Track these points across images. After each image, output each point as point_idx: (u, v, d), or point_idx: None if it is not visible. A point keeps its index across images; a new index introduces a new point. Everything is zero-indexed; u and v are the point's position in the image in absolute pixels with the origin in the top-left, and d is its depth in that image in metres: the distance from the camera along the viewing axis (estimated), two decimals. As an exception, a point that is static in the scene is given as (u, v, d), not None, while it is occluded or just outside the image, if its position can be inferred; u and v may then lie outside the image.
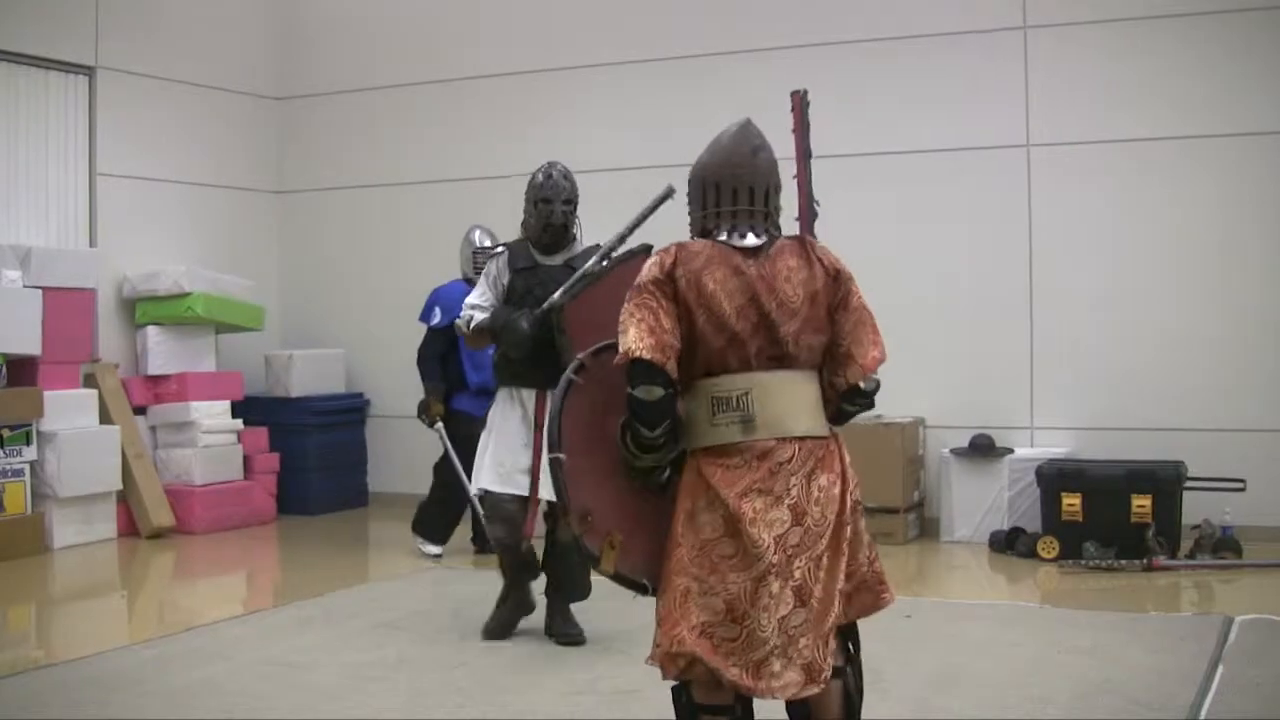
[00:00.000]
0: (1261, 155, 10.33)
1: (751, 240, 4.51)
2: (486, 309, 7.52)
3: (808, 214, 5.55)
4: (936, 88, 11.19)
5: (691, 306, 4.40)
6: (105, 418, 11.32)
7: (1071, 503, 9.73)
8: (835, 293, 4.57)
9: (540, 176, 7.70)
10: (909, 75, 11.30)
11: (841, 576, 4.41)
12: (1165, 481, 9.65)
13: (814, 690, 4.34)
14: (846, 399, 4.59)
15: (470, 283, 9.78)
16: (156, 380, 11.97)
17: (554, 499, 6.89)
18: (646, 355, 4.31)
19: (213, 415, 11.94)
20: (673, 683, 4.59)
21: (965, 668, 6.87)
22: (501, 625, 7.62)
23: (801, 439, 4.43)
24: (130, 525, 11.38)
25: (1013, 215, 10.83)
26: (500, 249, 7.80)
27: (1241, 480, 9.74)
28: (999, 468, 10.49)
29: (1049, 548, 9.71)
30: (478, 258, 10.17)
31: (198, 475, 11.73)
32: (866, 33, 11.43)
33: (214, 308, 12.12)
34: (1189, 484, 9.77)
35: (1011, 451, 10.54)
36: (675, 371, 4.39)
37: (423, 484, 10.56)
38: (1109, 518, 9.58)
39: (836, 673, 4.48)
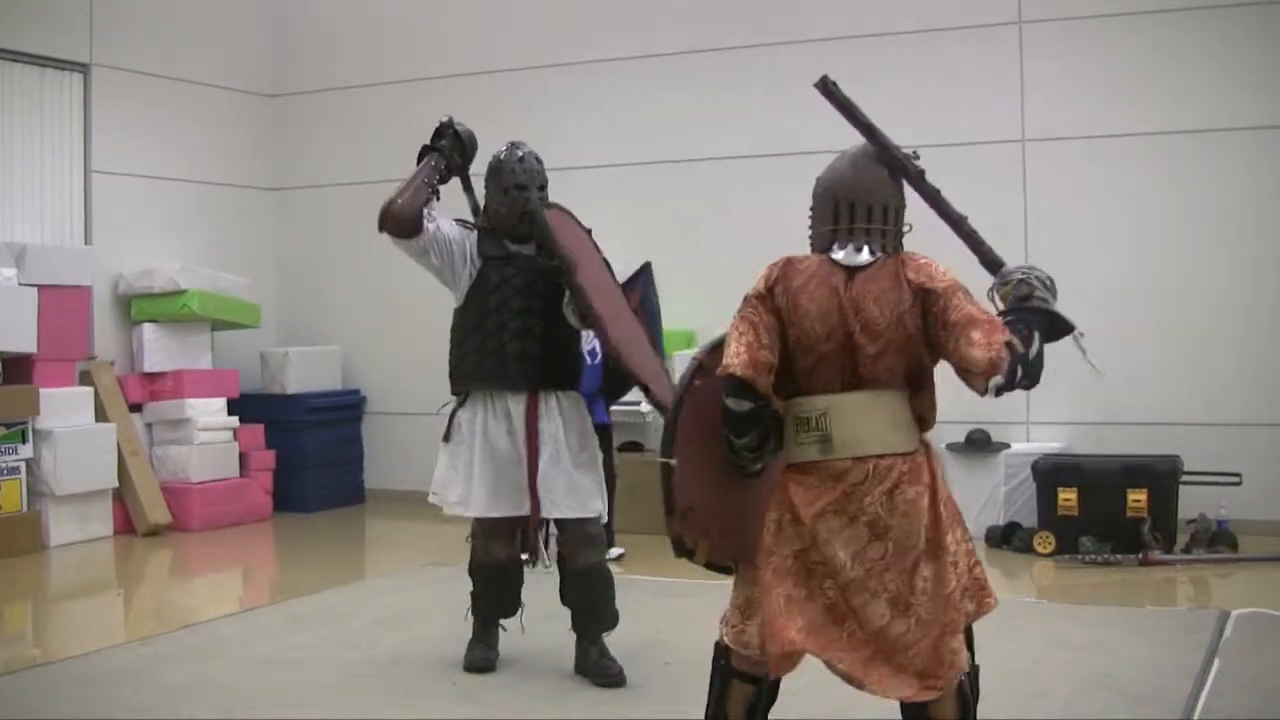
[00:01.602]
0: (1257, 149, 10.34)
1: (864, 257, 4.61)
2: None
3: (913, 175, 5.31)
4: (931, 83, 11.19)
5: (786, 323, 4.55)
6: (101, 415, 11.32)
7: (1067, 498, 9.74)
8: (928, 311, 4.53)
9: (510, 160, 6.83)
10: (903, 70, 11.28)
11: (952, 583, 4.49)
12: (1161, 476, 9.66)
13: (931, 696, 4.48)
14: (978, 384, 4.48)
15: None
16: (152, 378, 11.97)
17: (563, 516, 6.66)
18: (738, 372, 4.48)
19: (209, 412, 11.95)
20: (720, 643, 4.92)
21: (962, 663, 6.88)
22: (484, 658, 6.94)
23: (880, 457, 4.45)
24: (126, 523, 11.37)
25: (1008, 210, 10.83)
26: (469, 225, 6.89)
27: (1237, 474, 9.75)
28: (995, 463, 10.50)
29: (1045, 543, 9.72)
30: None
31: (194, 472, 11.73)
32: (860, 28, 11.44)
33: (210, 305, 12.12)
34: (1185, 478, 9.78)
35: (1008, 447, 10.55)
36: (768, 386, 4.52)
37: (419, 480, 10.45)
38: (1105, 512, 9.59)
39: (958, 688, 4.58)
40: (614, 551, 9.53)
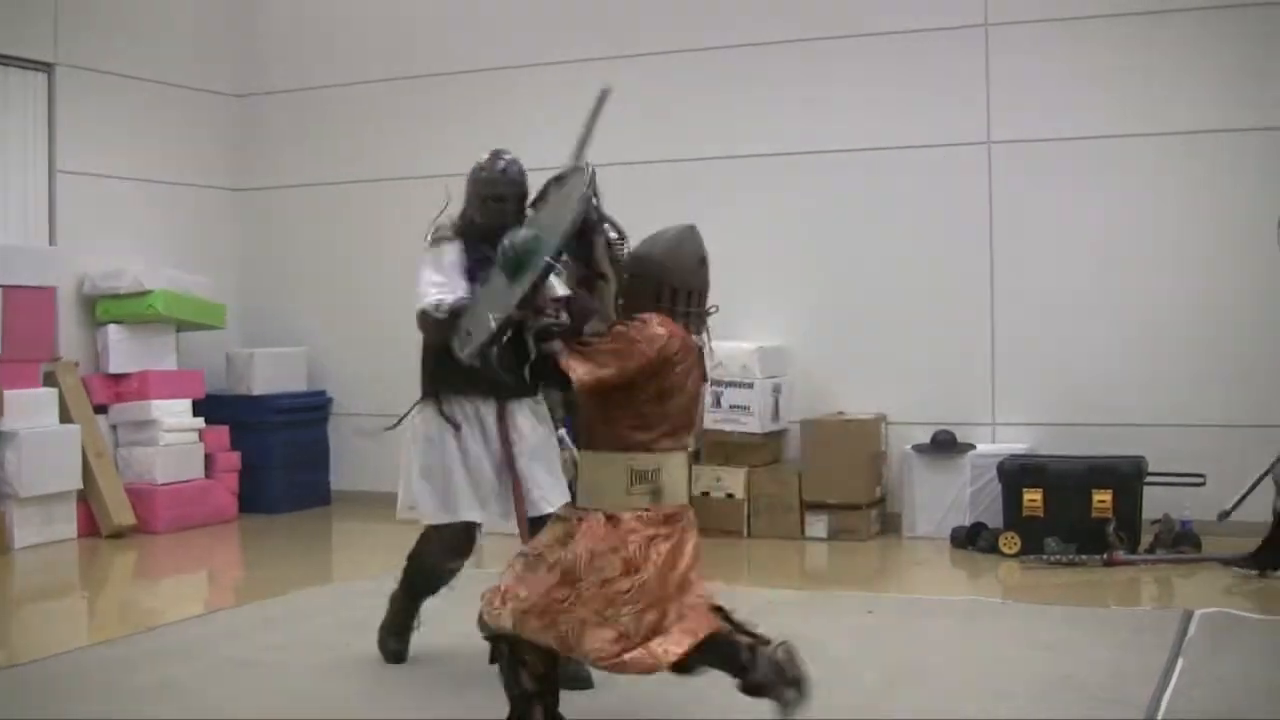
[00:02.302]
0: (1223, 152, 10.39)
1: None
2: (456, 292, 6.48)
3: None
4: (897, 84, 11.23)
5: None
6: (65, 417, 11.27)
7: (1033, 498, 9.78)
8: None
9: (491, 170, 6.79)
10: (869, 72, 11.33)
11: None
12: (1126, 477, 9.71)
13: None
14: None
15: None
16: (117, 379, 11.92)
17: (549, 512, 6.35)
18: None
19: (174, 414, 11.91)
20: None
21: (926, 663, 6.90)
22: (399, 649, 7.04)
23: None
24: (91, 525, 11.32)
25: (974, 212, 10.87)
26: (452, 236, 6.71)
27: (1201, 475, 9.79)
28: (961, 464, 10.53)
29: (1010, 543, 9.75)
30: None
31: (159, 474, 11.68)
32: (826, 30, 11.46)
33: (175, 305, 12.08)
34: (1149, 479, 9.83)
35: (973, 447, 10.58)
36: None
37: (386, 482, 10.38)
38: (1070, 513, 9.64)
39: None
40: None
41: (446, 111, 12.67)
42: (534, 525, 6.45)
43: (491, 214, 6.65)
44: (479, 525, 6.76)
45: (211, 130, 13.52)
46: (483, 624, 5.29)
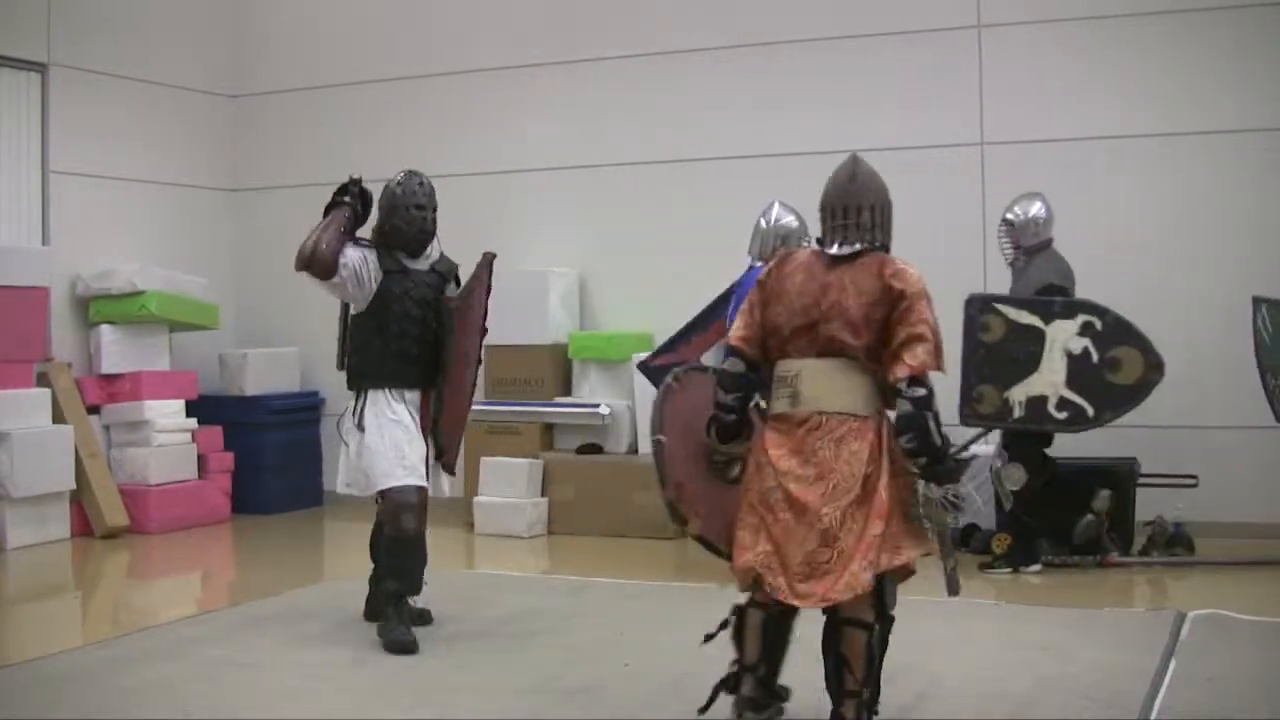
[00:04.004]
0: (1217, 153, 10.43)
1: (837, 250, 5.62)
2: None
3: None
4: (890, 86, 11.26)
5: (771, 302, 5.64)
6: (59, 417, 11.26)
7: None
8: (895, 308, 5.43)
9: (410, 185, 7.72)
10: (862, 74, 11.36)
11: (873, 529, 5.37)
12: (1118, 478, 9.70)
13: (824, 605, 5.46)
14: (896, 393, 5.44)
15: None
16: (110, 379, 11.91)
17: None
18: (732, 342, 5.74)
19: (167, 414, 11.90)
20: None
21: (921, 664, 6.89)
22: (407, 638, 7.31)
23: (836, 414, 5.45)
24: (84, 525, 11.32)
25: (966, 213, 10.88)
26: (365, 243, 7.79)
27: (1194, 476, 9.80)
28: (954, 465, 10.50)
29: (1003, 545, 9.74)
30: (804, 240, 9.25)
31: (152, 475, 11.67)
32: (819, 31, 11.50)
33: (168, 306, 12.07)
34: (1142, 481, 9.83)
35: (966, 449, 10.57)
36: (755, 354, 5.69)
37: None
38: (1063, 514, 9.62)
39: (861, 624, 5.49)
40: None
41: (440, 112, 12.68)
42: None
43: (415, 221, 7.67)
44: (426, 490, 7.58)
45: (205, 130, 13.51)
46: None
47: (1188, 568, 9.46)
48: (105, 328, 11.93)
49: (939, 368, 5.51)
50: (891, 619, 5.62)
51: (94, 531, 11.29)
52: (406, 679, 6.78)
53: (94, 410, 11.82)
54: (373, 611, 7.75)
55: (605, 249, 12.22)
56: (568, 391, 11.88)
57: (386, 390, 7.55)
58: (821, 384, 5.49)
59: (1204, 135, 10.43)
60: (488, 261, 7.88)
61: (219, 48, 13.68)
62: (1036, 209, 9.60)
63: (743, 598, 5.76)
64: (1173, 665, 6.78)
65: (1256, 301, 9.36)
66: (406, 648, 7.20)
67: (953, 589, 5.82)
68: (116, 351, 11.95)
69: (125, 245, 12.40)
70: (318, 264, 7.62)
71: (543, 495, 11.36)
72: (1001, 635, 7.48)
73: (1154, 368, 8.64)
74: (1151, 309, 10.44)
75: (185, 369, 12.42)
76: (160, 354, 12.25)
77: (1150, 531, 9.71)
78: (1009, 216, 9.68)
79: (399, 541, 7.44)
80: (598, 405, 11.43)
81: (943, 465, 5.50)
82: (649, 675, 6.78)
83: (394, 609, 7.38)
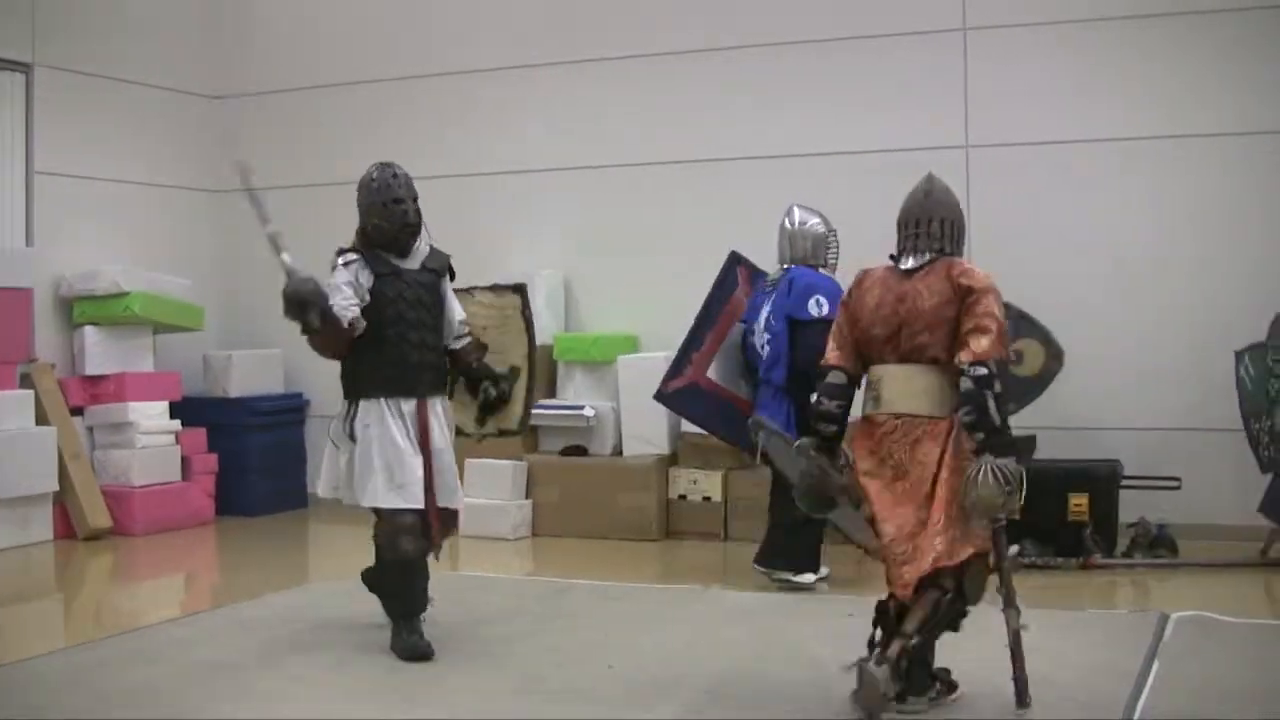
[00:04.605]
0: (1201, 156, 10.47)
1: (909, 263, 6.14)
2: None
3: None
4: (876, 88, 11.29)
5: (857, 317, 6.23)
6: (42, 418, 11.24)
7: (1009, 502, 9.78)
8: (963, 304, 5.92)
9: (385, 176, 7.36)
10: (848, 76, 11.38)
11: (939, 524, 5.88)
12: (1101, 480, 9.71)
13: (904, 596, 6.01)
14: (959, 374, 5.85)
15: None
16: (94, 381, 11.88)
17: (450, 506, 7.36)
18: (831, 362, 6.30)
19: (151, 416, 11.87)
20: None
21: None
22: (421, 644, 7.19)
23: (911, 416, 5.99)
24: (67, 527, 11.30)
25: (952, 216, 10.89)
26: (353, 254, 7.40)
27: (1177, 479, 9.82)
28: (938, 467, 10.52)
29: (987, 546, 9.74)
30: (830, 241, 9.39)
31: (136, 476, 11.65)
32: (805, 34, 11.51)
33: (152, 307, 12.05)
34: (1125, 483, 9.85)
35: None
36: (849, 364, 6.28)
37: None
38: (1046, 516, 9.63)
39: (937, 585, 6.01)
40: (808, 577, 9.09)
41: (426, 114, 12.67)
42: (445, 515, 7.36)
43: (395, 215, 7.28)
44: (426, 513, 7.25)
45: (190, 132, 13.49)
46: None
47: (1171, 569, 9.49)
48: (89, 329, 11.91)
49: (1004, 356, 5.94)
50: (965, 609, 6.19)
51: (77, 533, 11.26)
52: (392, 681, 6.77)
53: (77, 412, 11.79)
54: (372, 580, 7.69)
55: (590, 251, 12.21)
56: (552, 393, 11.86)
57: (382, 400, 7.20)
58: (899, 387, 6.06)
59: (1195, 138, 10.47)
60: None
61: (205, 49, 13.65)
62: None
63: None
64: (1156, 667, 6.81)
65: (1239, 354, 9.50)
66: (423, 654, 7.08)
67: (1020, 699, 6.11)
68: (100, 353, 11.92)
69: (109, 246, 12.37)
70: (346, 344, 7.28)
71: (527, 497, 11.35)
72: (985, 636, 7.47)
73: (1054, 358, 8.91)
74: (1136, 311, 10.51)
75: (169, 370, 12.39)
76: (144, 355, 12.22)
77: (1133, 533, 9.73)
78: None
79: (399, 566, 7.23)
80: (582, 407, 11.43)
81: (1000, 438, 5.82)
82: (633, 677, 6.79)
83: (404, 622, 7.25)
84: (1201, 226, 10.49)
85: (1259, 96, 10.37)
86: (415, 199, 7.35)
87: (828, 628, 7.72)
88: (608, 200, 12.18)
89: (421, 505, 7.16)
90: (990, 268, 10.63)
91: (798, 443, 6.47)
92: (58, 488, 11.21)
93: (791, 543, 8.96)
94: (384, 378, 7.20)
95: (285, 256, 7.37)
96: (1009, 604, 6.05)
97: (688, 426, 11.04)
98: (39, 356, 11.64)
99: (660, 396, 9.69)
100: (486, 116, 12.43)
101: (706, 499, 11.00)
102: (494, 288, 8.23)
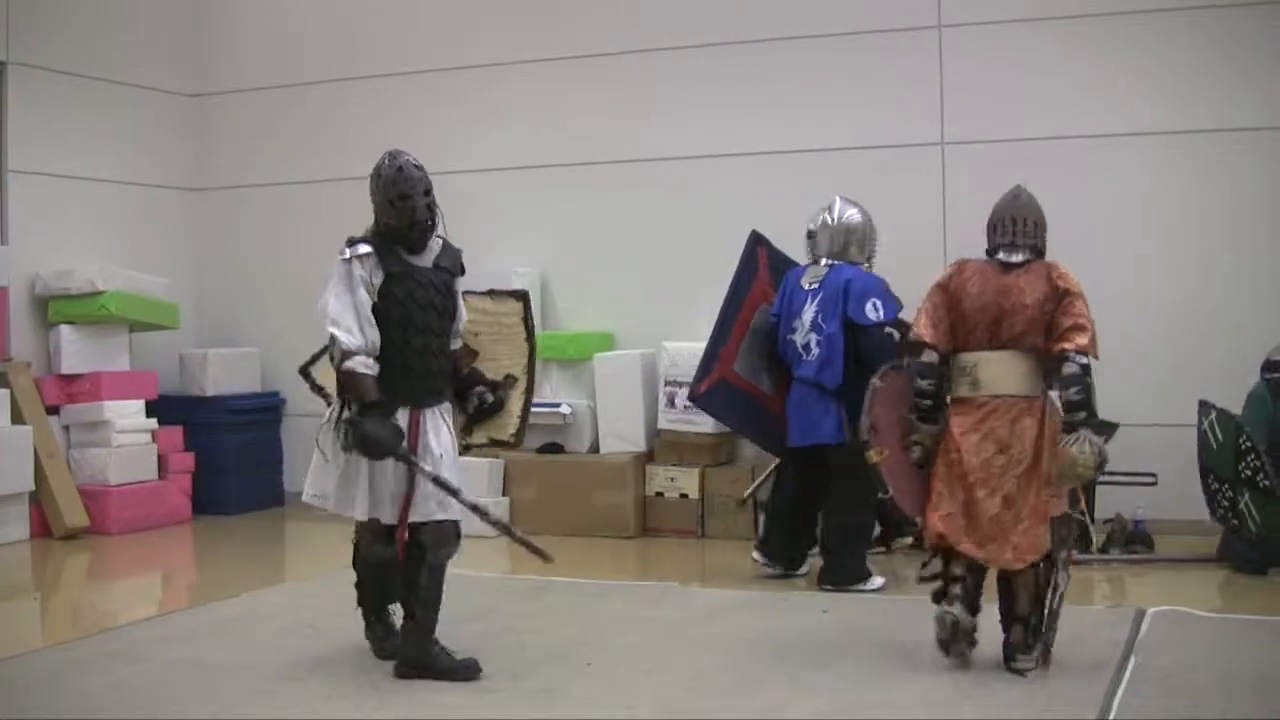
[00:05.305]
0: (1174, 153, 10.51)
1: (1015, 258, 6.87)
2: (361, 340, 6.63)
3: None
4: (851, 86, 11.30)
5: (955, 304, 6.85)
6: (18, 417, 11.20)
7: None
8: (1059, 302, 6.72)
9: (391, 170, 6.76)
10: (823, 73, 11.39)
11: (1044, 492, 6.60)
12: (1078, 476, 9.75)
13: (1021, 565, 6.63)
14: (1057, 362, 6.66)
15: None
16: (70, 379, 11.85)
17: (428, 519, 6.70)
18: (924, 337, 6.85)
19: (127, 415, 11.84)
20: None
21: (881, 662, 6.93)
22: (385, 641, 7.18)
23: (1011, 396, 6.71)
24: (44, 526, 11.27)
25: (927, 213, 10.91)
26: (366, 245, 6.71)
27: (1153, 475, 9.84)
28: (915, 464, 10.54)
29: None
30: (873, 236, 9.41)
31: (112, 475, 11.62)
32: (779, 31, 11.52)
33: (128, 306, 12.02)
34: (1102, 479, 9.86)
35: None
36: (943, 344, 6.84)
37: None
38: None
39: (1034, 564, 6.65)
40: (876, 582, 9.02)
41: (402, 111, 12.64)
42: (416, 528, 6.72)
43: (404, 212, 6.71)
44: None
45: (166, 130, 13.45)
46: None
47: (1147, 565, 9.51)
48: (65, 328, 11.87)
49: (1095, 355, 6.71)
50: (1063, 567, 6.67)
51: (53, 532, 11.24)
52: (369, 680, 6.76)
53: (53, 410, 11.76)
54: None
55: (567, 249, 12.20)
56: (530, 391, 11.85)
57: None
58: (997, 371, 6.74)
59: (1169, 135, 10.51)
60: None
61: (180, 46, 13.61)
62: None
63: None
64: (1132, 661, 6.84)
65: (1204, 406, 9.46)
66: (388, 652, 7.03)
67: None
68: (76, 351, 11.89)
69: (85, 245, 12.33)
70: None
71: (504, 495, 11.35)
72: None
73: None
74: (1110, 307, 10.50)
75: (145, 369, 12.36)
76: (120, 354, 12.19)
77: (1110, 529, 9.76)
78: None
79: (373, 567, 7.12)
80: (559, 405, 11.43)
81: (1096, 418, 6.70)
82: (611, 675, 6.79)
83: (373, 616, 7.21)
84: (1174, 222, 10.54)
85: (1236, 94, 10.43)
86: (428, 191, 6.77)
87: (803, 625, 7.74)
88: (584, 199, 12.17)
89: (395, 521, 6.72)
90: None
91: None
92: (34, 487, 11.18)
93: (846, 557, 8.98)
94: (380, 384, 6.62)
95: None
96: (1064, 566, 6.67)
97: (664, 424, 11.07)
98: (14, 355, 11.61)
99: (694, 398, 9.61)
100: (462, 115, 12.41)
101: (683, 496, 11.00)
102: (492, 293, 7.69)
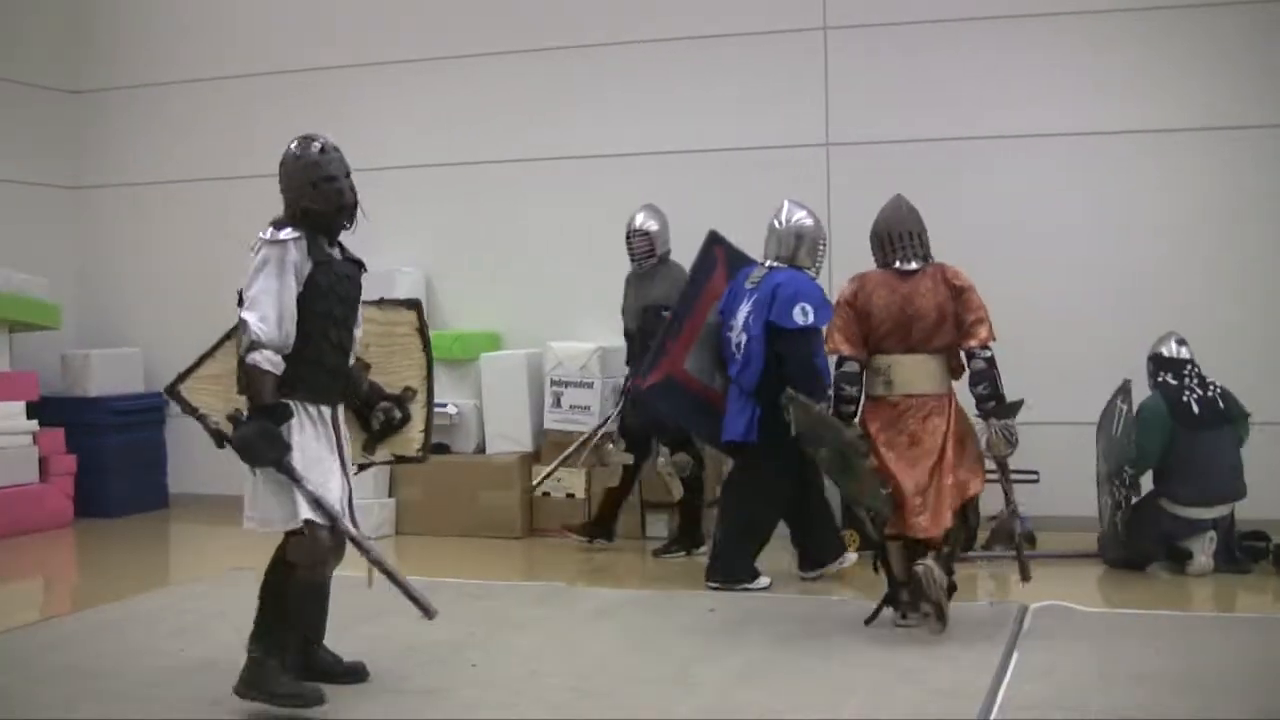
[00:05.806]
0: (1068, 153, 10.75)
1: (911, 265, 7.58)
2: (275, 333, 6.09)
3: None
4: (736, 86, 11.36)
5: (867, 313, 7.52)
6: (-107, 421, 11.03)
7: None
8: (957, 301, 7.47)
9: (312, 153, 6.34)
10: (709, 74, 11.44)
11: (949, 478, 7.41)
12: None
13: (932, 534, 7.40)
14: (969, 356, 7.49)
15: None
16: (-53, 381, 11.68)
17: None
18: (845, 351, 7.57)
19: (8, 416, 11.67)
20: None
21: (770, 661, 6.97)
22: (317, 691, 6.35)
23: (921, 395, 7.49)
24: (-80, 531, 11.10)
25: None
26: (295, 230, 6.20)
27: (1035, 472, 9.95)
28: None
29: (851, 540, 9.84)
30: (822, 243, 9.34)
31: (-9, 478, 11.47)
32: (665, 31, 11.56)
33: (7, 306, 11.85)
34: (986, 477, 9.96)
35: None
36: (861, 354, 7.55)
37: (223, 484, 10.09)
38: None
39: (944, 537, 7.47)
40: (762, 581, 8.98)
41: (286, 110, 12.53)
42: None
43: (329, 196, 6.32)
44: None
45: (46, 127, 13.27)
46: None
47: (1030, 561, 9.61)
48: (-58, 328, 11.70)
49: (994, 337, 7.48)
50: (970, 531, 7.89)
51: (-69, 537, 11.08)
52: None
53: (-70, 413, 11.58)
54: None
55: (451, 248, 12.17)
56: (415, 391, 11.80)
57: (299, 404, 6.21)
58: (910, 373, 7.49)
59: (1064, 137, 10.71)
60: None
61: (61, 43, 13.44)
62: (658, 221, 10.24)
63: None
64: (1015, 656, 6.93)
65: (1126, 387, 9.46)
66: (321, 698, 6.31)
67: (1024, 574, 7.82)
68: (-47, 353, 11.72)
69: (-39, 244, 12.16)
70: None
71: (390, 495, 11.31)
72: (848, 630, 7.57)
73: None
74: (995, 309, 10.61)
75: (26, 370, 12.18)
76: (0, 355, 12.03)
77: (994, 526, 9.85)
78: (647, 226, 10.19)
79: (314, 589, 6.55)
80: (445, 405, 11.38)
81: (1004, 405, 7.47)
82: (496, 675, 6.79)
83: (295, 654, 6.54)
84: (1055, 220, 10.70)
85: (1135, 93, 10.70)
86: (348, 173, 6.40)
87: (688, 625, 7.77)
88: (469, 199, 12.15)
89: (342, 524, 6.21)
90: (850, 266, 10.79)
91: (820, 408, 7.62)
92: (-90, 491, 11.01)
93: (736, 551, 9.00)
94: (300, 378, 6.18)
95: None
96: (1015, 513, 7.79)
97: (550, 424, 11.08)
98: (-111, 357, 11.43)
99: (638, 393, 9.58)
100: (348, 113, 12.30)
101: (569, 496, 11.00)
102: (381, 303, 7.15)
